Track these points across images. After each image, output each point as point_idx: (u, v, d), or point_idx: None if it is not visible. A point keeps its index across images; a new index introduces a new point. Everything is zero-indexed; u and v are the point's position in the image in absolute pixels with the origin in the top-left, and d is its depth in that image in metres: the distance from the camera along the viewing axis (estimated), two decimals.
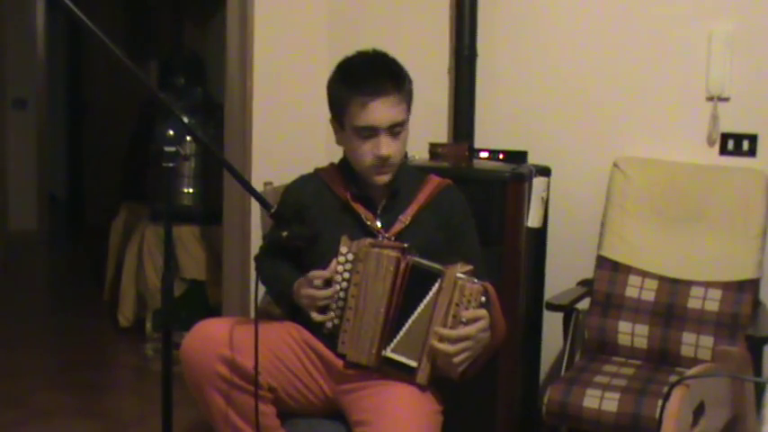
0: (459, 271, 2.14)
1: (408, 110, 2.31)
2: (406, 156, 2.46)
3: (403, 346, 2.16)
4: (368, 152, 2.27)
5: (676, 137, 3.17)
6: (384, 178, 2.31)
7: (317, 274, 2.17)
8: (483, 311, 2.13)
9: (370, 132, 2.25)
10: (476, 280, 2.13)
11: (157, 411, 2.19)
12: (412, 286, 2.15)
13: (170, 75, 5.16)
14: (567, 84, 3.33)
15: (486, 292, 2.14)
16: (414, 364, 2.15)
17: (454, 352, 2.10)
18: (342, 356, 2.19)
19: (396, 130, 2.26)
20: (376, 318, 2.15)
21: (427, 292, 2.14)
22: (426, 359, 2.14)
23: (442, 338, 2.11)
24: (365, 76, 2.26)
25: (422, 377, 2.15)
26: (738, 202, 2.95)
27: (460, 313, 2.10)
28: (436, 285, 2.13)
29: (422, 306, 2.14)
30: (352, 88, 2.26)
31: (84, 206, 7.78)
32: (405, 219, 2.32)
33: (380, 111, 2.23)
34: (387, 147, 2.25)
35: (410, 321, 2.15)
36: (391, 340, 2.16)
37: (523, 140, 3.34)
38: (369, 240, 2.19)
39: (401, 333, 2.16)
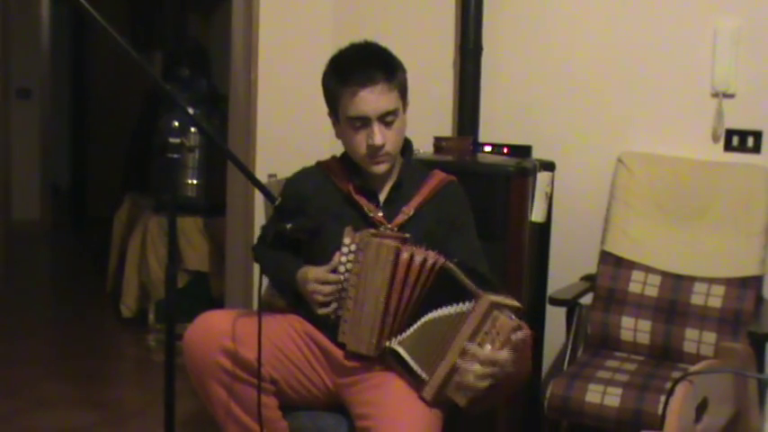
0: (497, 299, 2.05)
1: (402, 99, 2.30)
2: (411, 150, 2.45)
3: (414, 346, 2.13)
4: (362, 142, 2.27)
5: (681, 133, 3.16)
6: (381, 168, 2.30)
7: (321, 276, 2.18)
8: (504, 354, 2.01)
9: (363, 122, 2.25)
10: (513, 316, 2.06)
11: (159, 402, 2.20)
12: (437, 289, 2.12)
13: (174, 66, 5.16)
14: (571, 79, 3.32)
15: (518, 331, 2.06)
16: (424, 376, 2.09)
17: (480, 373, 2.01)
18: (342, 346, 2.19)
19: (388, 119, 2.25)
20: (376, 307, 2.13)
21: (452, 302, 2.08)
22: (439, 375, 2.07)
23: (468, 354, 2.02)
24: (354, 67, 2.26)
25: (428, 392, 2.08)
26: (742, 199, 2.94)
27: (485, 345, 2.02)
28: (467, 305, 2.07)
29: (444, 313, 2.10)
30: (342, 79, 2.26)
31: (88, 197, 7.78)
32: (408, 210, 2.32)
33: (370, 100, 2.22)
34: (380, 136, 2.24)
35: (424, 321, 2.12)
36: (398, 333, 2.15)
37: (528, 135, 3.33)
38: (370, 230, 2.20)
39: (412, 330, 2.14)
